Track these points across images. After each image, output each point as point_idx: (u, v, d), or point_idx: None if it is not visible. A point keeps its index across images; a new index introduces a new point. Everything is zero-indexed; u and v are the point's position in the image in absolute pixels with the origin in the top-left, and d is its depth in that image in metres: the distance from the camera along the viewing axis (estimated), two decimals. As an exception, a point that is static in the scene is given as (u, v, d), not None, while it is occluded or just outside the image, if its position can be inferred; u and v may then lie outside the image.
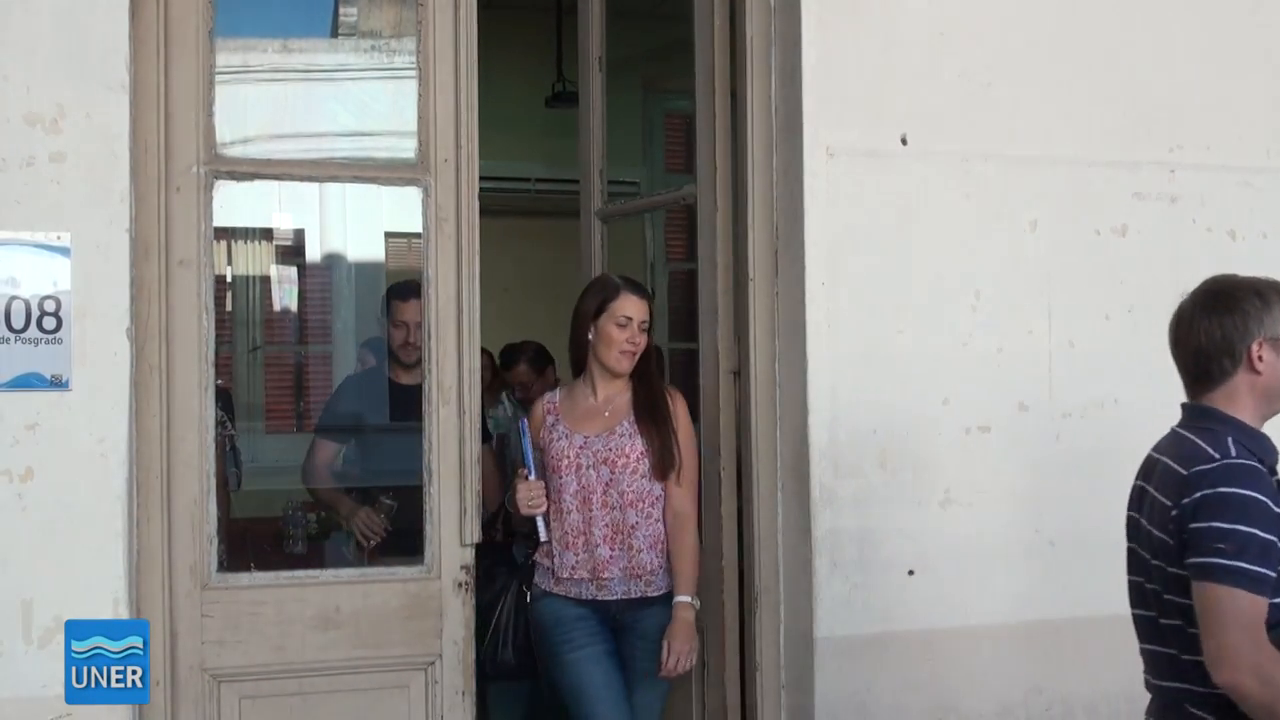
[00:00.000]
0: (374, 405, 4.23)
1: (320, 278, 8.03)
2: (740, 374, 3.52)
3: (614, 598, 3.33)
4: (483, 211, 3.30)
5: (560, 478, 3.33)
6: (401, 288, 4.10)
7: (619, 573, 3.31)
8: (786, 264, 3.40)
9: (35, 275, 2.80)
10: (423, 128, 3.28)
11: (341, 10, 6.64)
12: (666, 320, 7.19)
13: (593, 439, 3.34)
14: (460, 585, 3.25)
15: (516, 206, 7.62)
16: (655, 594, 3.34)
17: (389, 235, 7.86)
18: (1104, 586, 3.54)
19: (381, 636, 3.18)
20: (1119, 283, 3.57)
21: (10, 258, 2.79)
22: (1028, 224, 3.50)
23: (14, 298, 2.79)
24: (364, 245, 7.85)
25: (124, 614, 2.84)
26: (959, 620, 3.41)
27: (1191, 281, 3.63)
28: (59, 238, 2.81)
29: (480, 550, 3.33)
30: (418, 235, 3.33)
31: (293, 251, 7.96)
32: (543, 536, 3.35)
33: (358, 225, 7.83)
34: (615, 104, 4.14)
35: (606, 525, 3.30)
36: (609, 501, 3.31)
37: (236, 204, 3.43)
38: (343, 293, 8.07)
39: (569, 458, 3.32)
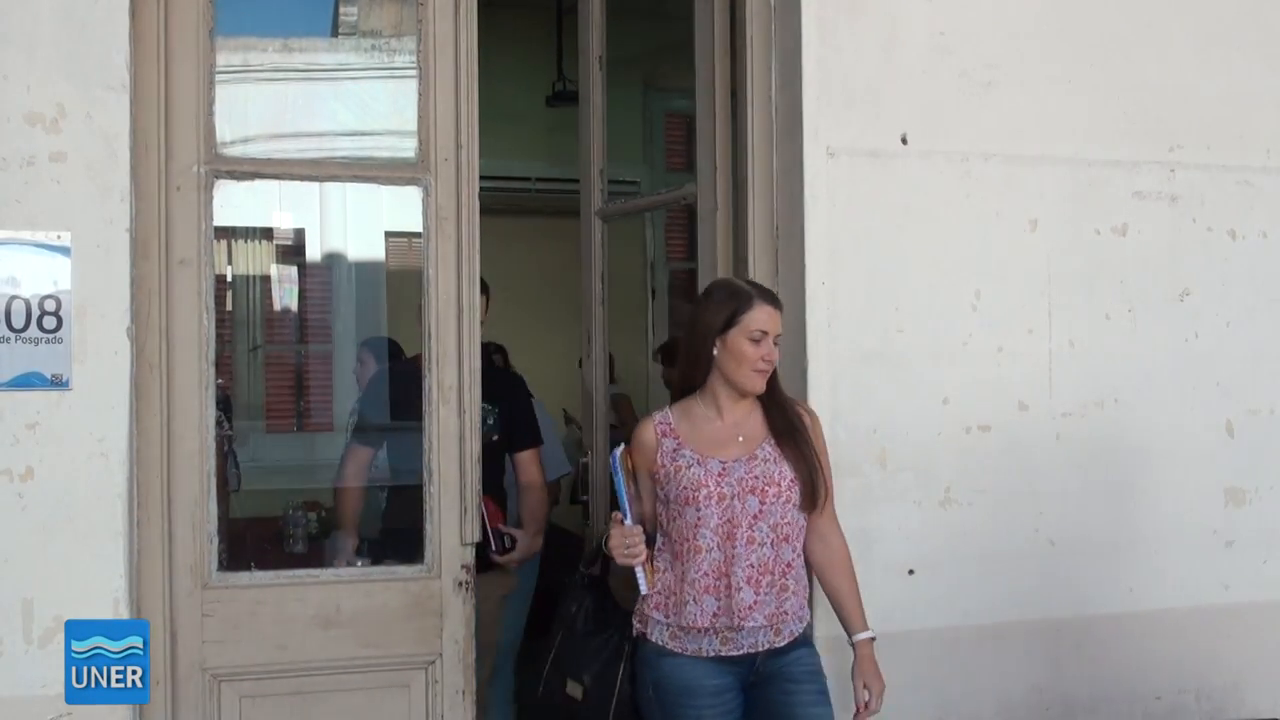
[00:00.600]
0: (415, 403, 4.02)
1: (320, 277, 8.04)
2: (740, 373, 3.52)
3: (756, 650, 2.90)
4: (483, 211, 3.30)
5: (697, 510, 2.85)
6: None
7: (763, 620, 2.87)
8: (786, 263, 3.40)
9: (35, 275, 2.80)
10: (423, 127, 3.27)
11: (342, 9, 6.64)
12: (667, 320, 7.21)
13: (732, 465, 2.89)
14: (460, 584, 3.25)
15: (517, 206, 7.62)
16: (798, 638, 2.97)
17: (389, 234, 7.87)
18: (1104, 586, 3.55)
19: (382, 636, 3.18)
20: (1119, 282, 3.57)
21: (10, 257, 2.79)
22: (1028, 223, 3.51)
23: (14, 297, 2.80)
24: (364, 244, 7.85)
25: (124, 613, 2.84)
26: (959, 620, 3.42)
27: (1192, 281, 3.66)
28: (59, 237, 2.81)
29: (587, 587, 3.12)
30: (418, 234, 3.32)
31: (293, 251, 7.96)
32: (643, 589, 2.90)
33: (358, 224, 7.83)
34: (616, 103, 4.14)
35: (751, 564, 2.85)
36: (755, 537, 2.86)
37: (237, 203, 3.42)
38: (343, 292, 8.07)
39: (709, 487, 2.86)
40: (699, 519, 2.85)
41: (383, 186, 3.57)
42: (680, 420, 2.97)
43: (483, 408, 3.49)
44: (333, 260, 7.93)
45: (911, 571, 3.37)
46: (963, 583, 3.42)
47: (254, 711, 3.11)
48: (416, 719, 3.22)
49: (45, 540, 2.80)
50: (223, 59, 3.16)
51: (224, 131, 3.14)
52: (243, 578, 3.14)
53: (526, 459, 4.07)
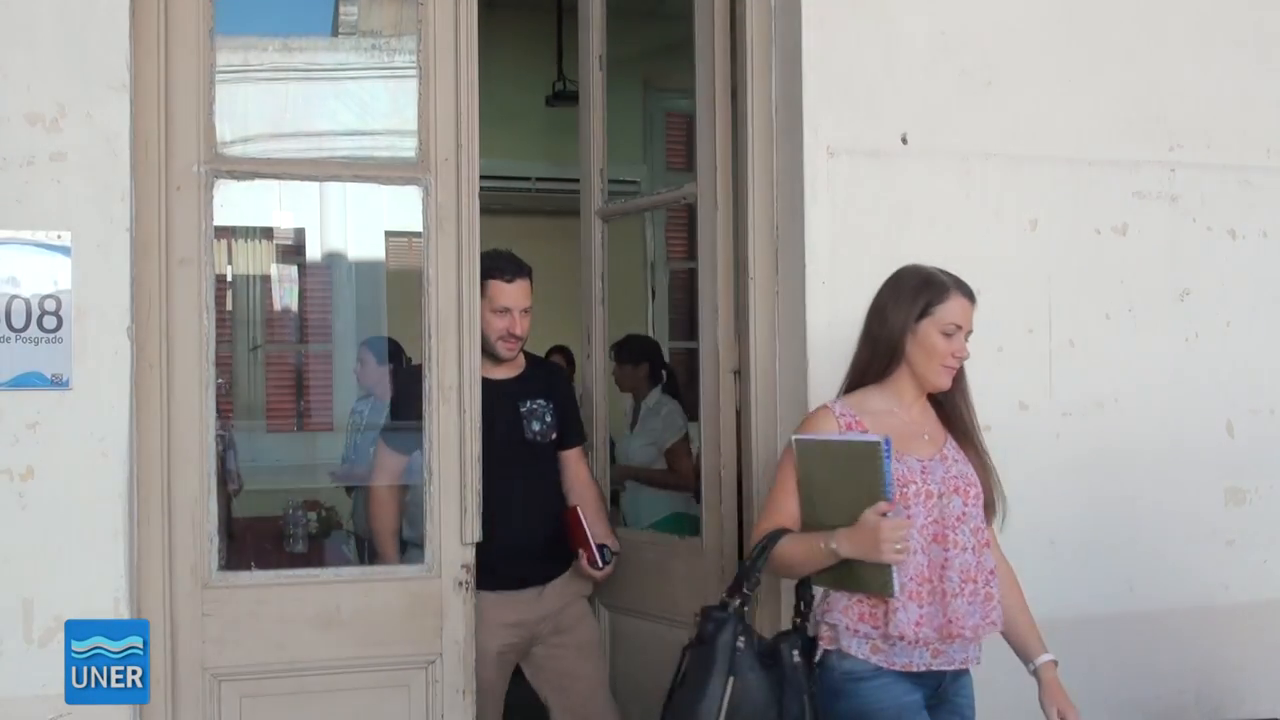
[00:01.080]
0: None
1: (321, 277, 8.05)
2: (740, 373, 3.52)
3: (950, 667, 2.71)
4: (483, 210, 3.30)
5: (906, 508, 2.63)
6: (503, 262, 3.52)
7: (970, 631, 2.65)
8: (787, 263, 3.39)
9: (36, 274, 2.80)
10: (423, 126, 3.27)
11: (342, 9, 6.65)
12: (667, 320, 7.21)
13: (930, 463, 2.71)
14: (461, 584, 3.25)
15: (517, 205, 7.63)
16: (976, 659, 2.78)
17: (389, 234, 7.88)
18: (1104, 586, 3.55)
19: (382, 635, 3.18)
20: (1119, 282, 3.57)
21: (11, 257, 2.79)
22: (1028, 223, 3.51)
23: (14, 297, 2.79)
24: (364, 244, 7.87)
25: (124, 613, 2.84)
26: (959, 619, 3.41)
27: (1192, 281, 3.66)
28: (59, 237, 2.81)
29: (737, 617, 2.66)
30: (418, 234, 3.33)
31: (293, 250, 7.98)
32: (896, 590, 2.58)
33: (358, 224, 7.85)
34: (616, 103, 4.14)
35: (959, 569, 2.64)
36: (960, 540, 2.66)
37: (237, 203, 3.42)
38: (343, 292, 8.09)
39: (916, 483, 2.66)
40: (907, 518, 2.61)
41: (383, 186, 3.56)
42: (860, 412, 2.74)
43: (537, 404, 3.54)
44: (333, 260, 7.94)
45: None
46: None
47: (254, 711, 3.10)
48: (416, 719, 3.22)
49: (45, 540, 2.80)
50: (223, 58, 3.16)
51: (224, 131, 3.14)
52: (243, 577, 3.14)
53: (575, 456, 3.73)
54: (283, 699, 3.13)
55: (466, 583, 3.25)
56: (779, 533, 2.67)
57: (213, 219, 3.10)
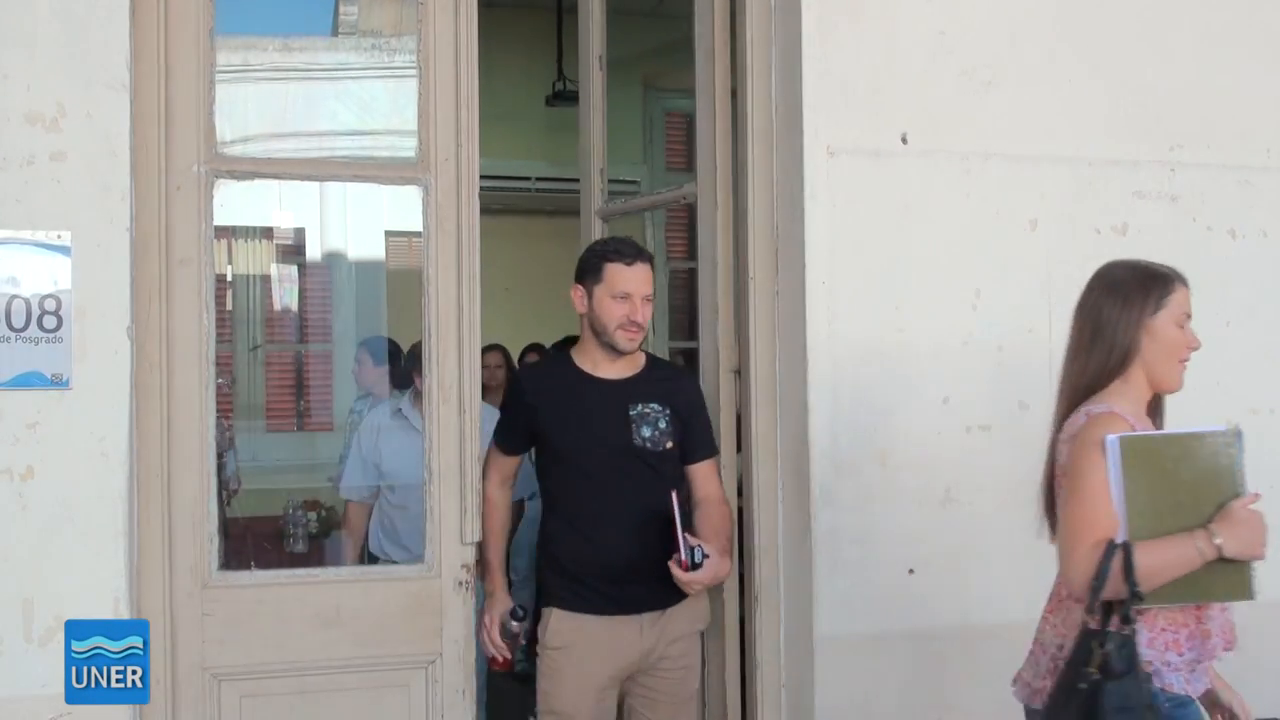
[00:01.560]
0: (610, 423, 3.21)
1: (320, 276, 8.05)
2: (741, 373, 3.52)
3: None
4: (483, 210, 3.30)
5: None
6: (622, 245, 3.20)
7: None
8: (787, 263, 3.40)
9: (35, 274, 2.80)
10: (423, 126, 3.27)
11: (342, 9, 6.65)
12: (668, 319, 7.21)
13: None
14: (461, 584, 3.24)
15: (517, 205, 7.64)
16: None
17: (389, 234, 7.88)
18: (1104, 586, 3.54)
19: (382, 635, 3.18)
20: (1119, 282, 3.57)
21: (10, 256, 2.79)
22: (1028, 223, 3.50)
23: (14, 296, 2.79)
24: (364, 244, 7.87)
25: (124, 613, 2.84)
26: (959, 619, 3.41)
27: (1192, 280, 3.64)
28: (59, 236, 2.81)
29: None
30: (418, 234, 3.32)
31: (293, 250, 7.98)
32: (1256, 592, 2.48)
33: (358, 224, 7.85)
34: (616, 103, 4.13)
35: None
36: None
37: (237, 203, 3.42)
38: (343, 291, 8.09)
39: None
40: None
41: (383, 186, 3.56)
42: (1125, 410, 2.53)
43: (650, 409, 3.18)
44: (333, 260, 7.94)
45: (911, 571, 3.36)
46: (963, 582, 3.41)
47: (254, 711, 3.10)
48: (416, 718, 3.22)
49: (45, 540, 2.80)
50: (223, 58, 3.16)
51: (224, 131, 3.14)
52: (243, 577, 3.14)
53: (704, 471, 3.28)
54: (282, 699, 3.13)
55: (466, 582, 3.25)
56: (1115, 545, 2.37)
57: (213, 219, 3.10)
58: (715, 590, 3.53)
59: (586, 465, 3.13)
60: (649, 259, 3.18)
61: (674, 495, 2.98)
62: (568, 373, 3.23)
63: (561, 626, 3.12)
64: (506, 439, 3.29)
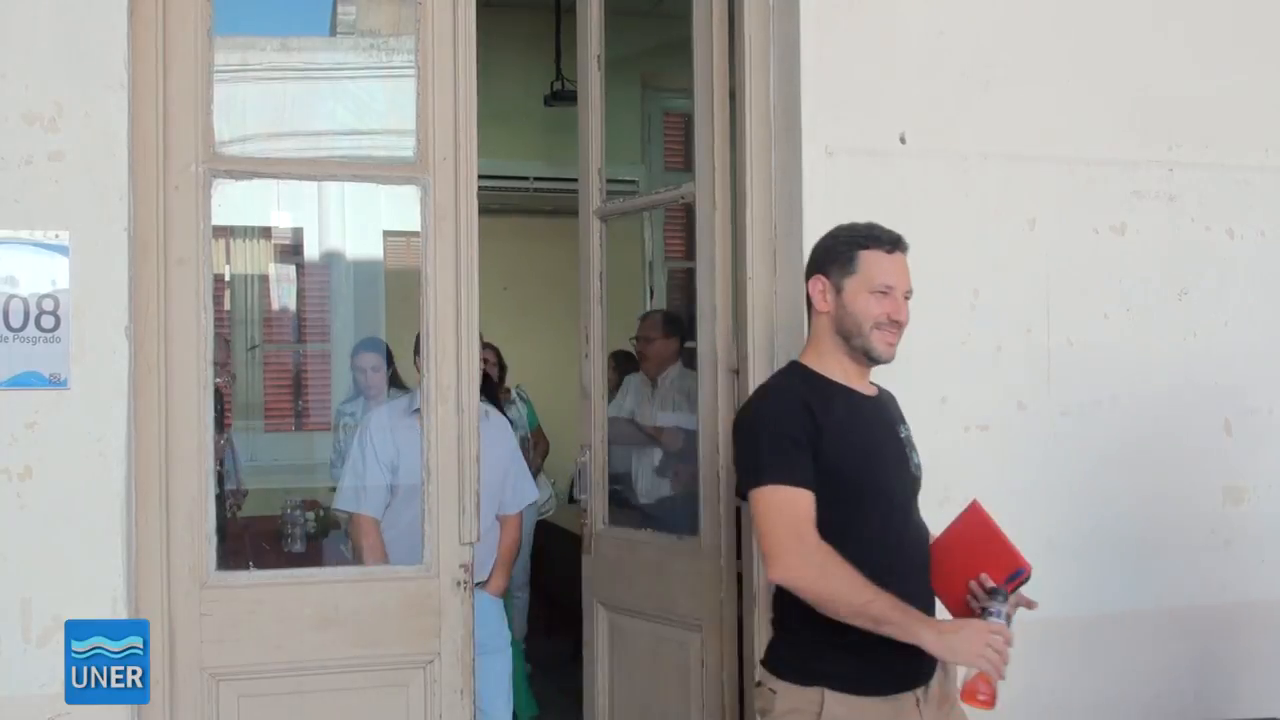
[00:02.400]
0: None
1: (319, 276, 8.05)
2: (740, 372, 3.52)
3: None
4: (481, 210, 3.30)
5: None
6: (880, 231, 2.70)
7: None
8: (785, 262, 3.39)
9: (33, 274, 2.80)
10: (421, 126, 3.27)
11: (340, 9, 6.65)
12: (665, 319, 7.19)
13: None
14: (459, 584, 3.24)
15: (515, 205, 7.64)
16: None
17: (387, 234, 7.87)
18: (1102, 585, 3.56)
19: (380, 635, 3.18)
20: (1117, 281, 3.57)
21: (8, 256, 2.79)
22: (1026, 222, 3.50)
23: (12, 296, 2.79)
24: (363, 244, 7.86)
25: (122, 613, 2.84)
26: (957, 619, 3.41)
27: (1190, 280, 3.66)
28: (57, 236, 2.81)
29: None
30: (416, 234, 3.32)
31: (291, 250, 7.97)
32: None
33: (356, 224, 7.84)
34: (614, 102, 4.13)
35: None
36: None
37: (235, 202, 3.42)
38: (341, 291, 8.08)
39: None
40: None
41: (381, 186, 3.57)
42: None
43: (908, 431, 2.75)
44: (331, 259, 7.93)
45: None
46: (961, 582, 3.41)
47: (252, 711, 3.10)
48: (415, 718, 3.22)
49: (43, 539, 2.80)
50: (221, 58, 3.16)
51: (222, 130, 3.14)
52: (241, 577, 3.14)
53: None
54: (281, 699, 3.13)
55: (465, 582, 3.25)
56: None
57: (211, 218, 3.10)
58: (714, 590, 3.54)
59: (885, 504, 2.60)
60: (907, 249, 2.71)
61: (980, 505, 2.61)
62: (830, 387, 2.62)
63: (839, 713, 2.48)
64: (802, 471, 2.48)
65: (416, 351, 3.49)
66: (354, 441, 4.06)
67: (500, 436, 4.16)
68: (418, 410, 3.38)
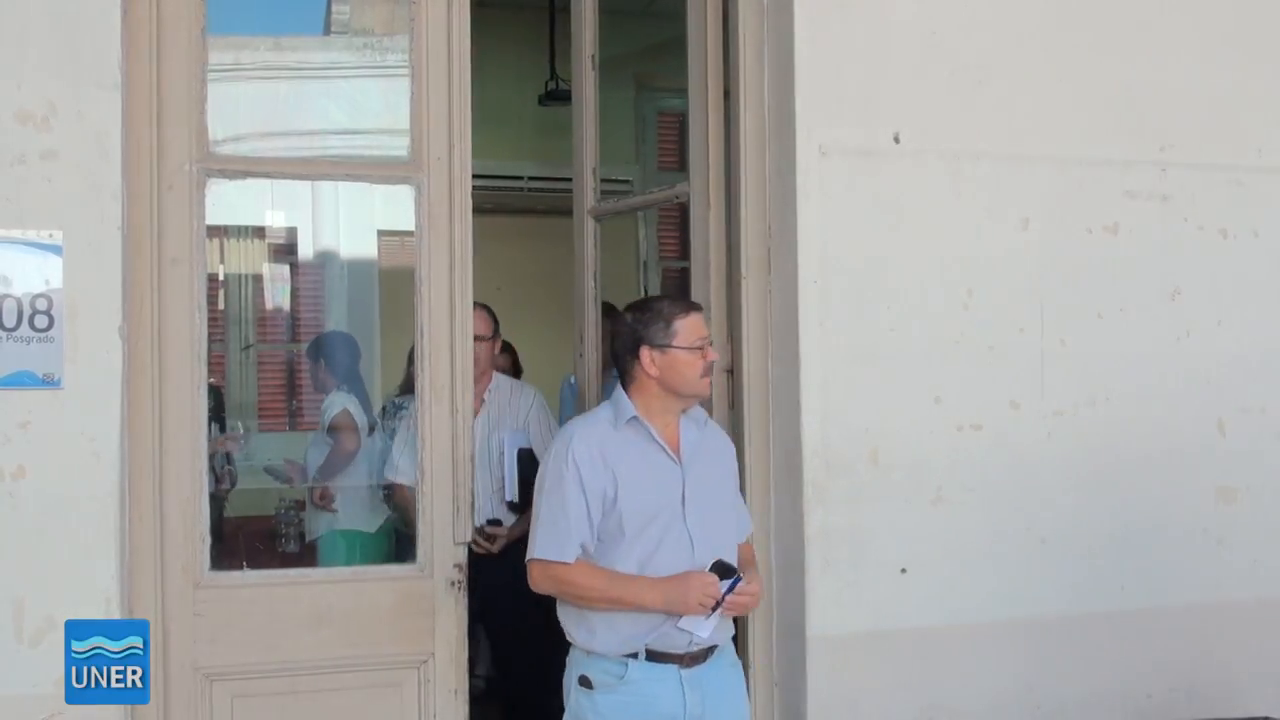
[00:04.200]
0: None
1: (313, 276, 8.03)
2: (733, 372, 3.52)
3: None
4: (475, 209, 3.30)
5: None
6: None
7: None
8: (779, 262, 3.40)
9: (27, 273, 2.80)
10: (415, 125, 3.27)
11: (334, 8, 6.64)
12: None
13: None
14: (453, 584, 3.24)
15: (509, 204, 7.62)
16: None
17: (381, 233, 7.85)
18: (1095, 584, 3.56)
19: (374, 635, 3.18)
20: (1111, 281, 3.58)
21: (2, 256, 2.79)
22: (1019, 222, 3.51)
23: (6, 296, 2.79)
24: (356, 243, 7.84)
25: (115, 613, 2.83)
26: (951, 618, 3.42)
27: (1183, 280, 3.67)
28: (51, 236, 2.81)
29: None
30: (410, 233, 3.32)
31: (285, 249, 7.95)
32: None
33: (350, 223, 7.82)
34: (608, 102, 4.13)
35: None
36: None
37: (229, 202, 3.41)
38: (335, 291, 8.06)
39: None
40: None
41: (375, 185, 3.56)
42: None
43: None
44: (325, 259, 7.92)
45: (904, 570, 3.37)
46: (954, 581, 3.42)
47: (246, 711, 3.10)
48: (409, 718, 3.22)
49: (37, 539, 2.79)
50: (215, 57, 3.16)
51: (216, 130, 3.14)
52: (235, 577, 3.14)
53: None
54: (274, 699, 3.13)
55: (459, 582, 3.25)
56: None
57: (204, 218, 3.10)
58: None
59: None
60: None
61: None
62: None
63: None
64: None
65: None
66: (547, 477, 2.97)
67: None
68: (634, 418, 2.86)
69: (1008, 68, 3.52)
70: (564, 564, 2.77)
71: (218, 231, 7.22)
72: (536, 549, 2.81)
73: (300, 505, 4.93)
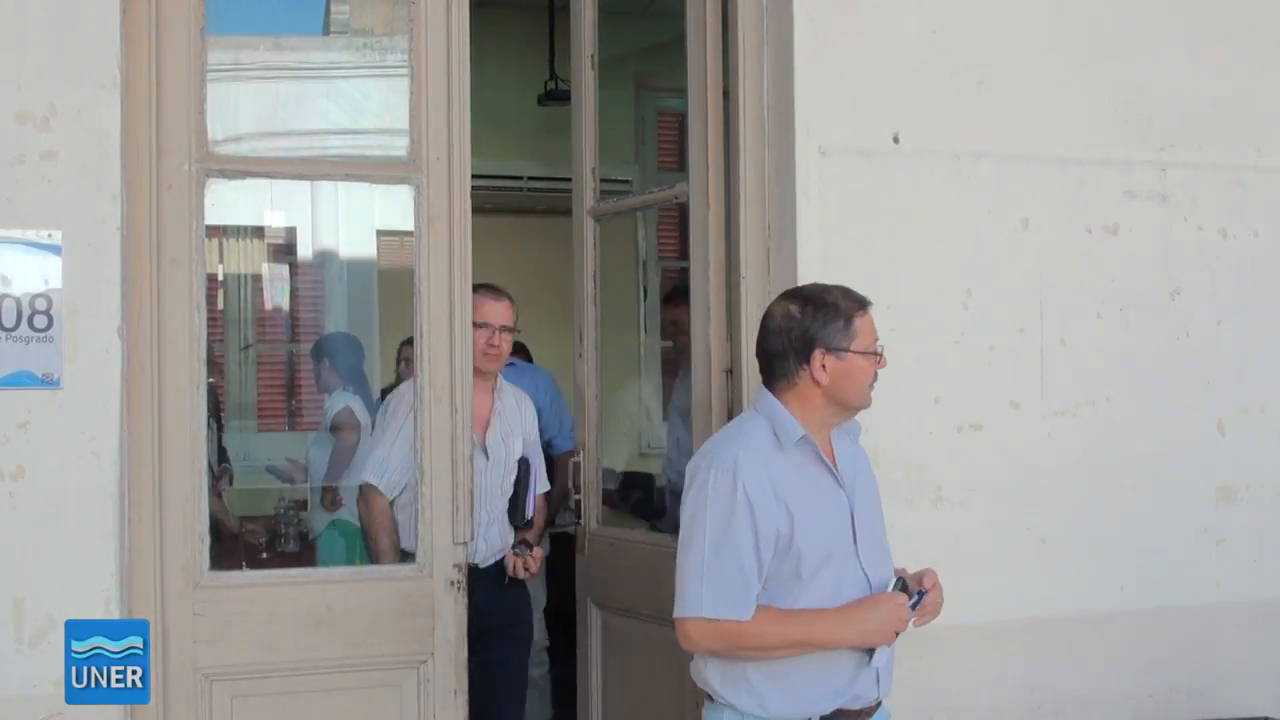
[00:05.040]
0: None
1: (312, 276, 8.03)
2: (733, 372, 3.52)
3: None
4: (475, 210, 3.30)
5: None
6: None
7: None
8: (778, 262, 3.40)
9: (26, 273, 2.80)
10: (414, 125, 3.27)
11: (333, 8, 6.64)
12: (659, 319, 7.21)
13: None
14: (453, 584, 3.24)
15: (509, 205, 7.62)
16: None
17: (381, 233, 7.86)
18: (1096, 584, 3.56)
19: (373, 635, 3.18)
20: (1110, 281, 3.58)
21: (1, 256, 2.79)
22: (1019, 222, 3.51)
23: (5, 296, 2.79)
24: (356, 243, 7.85)
25: (115, 612, 2.83)
26: (951, 618, 3.39)
27: (1183, 280, 3.67)
28: (50, 236, 2.81)
29: None
30: (409, 233, 3.32)
31: (284, 249, 7.96)
32: None
33: (349, 223, 7.83)
34: (608, 102, 4.13)
35: None
36: None
37: (228, 202, 3.42)
38: (335, 291, 8.07)
39: None
40: None
41: (374, 185, 3.56)
42: None
43: None
44: (324, 259, 7.92)
45: (903, 570, 3.36)
46: (955, 581, 3.41)
47: (245, 711, 3.10)
48: (409, 718, 3.22)
49: (36, 539, 2.79)
50: (214, 57, 3.16)
51: (215, 130, 3.13)
52: (234, 577, 3.14)
53: None
54: (274, 699, 3.12)
55: (459, 582, 3.25)
56: None
57: (204, 218, 3.09)
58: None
59: None
60: None
61: None
62: None
63: None
64: None
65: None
66: (708, 514, 2.51)
67: None
68: (803, 437, 2.55)
69: (1008, 68, 3.51)
70: (740, 620, 2.39)
71: (217, 231, 7.23)
72: (704, 605, 2.39)
73: (300, 505, 4.93)
